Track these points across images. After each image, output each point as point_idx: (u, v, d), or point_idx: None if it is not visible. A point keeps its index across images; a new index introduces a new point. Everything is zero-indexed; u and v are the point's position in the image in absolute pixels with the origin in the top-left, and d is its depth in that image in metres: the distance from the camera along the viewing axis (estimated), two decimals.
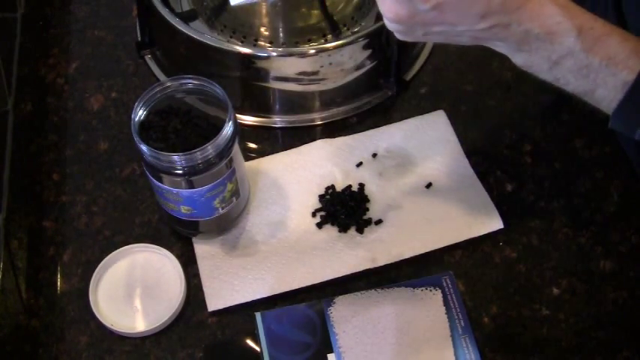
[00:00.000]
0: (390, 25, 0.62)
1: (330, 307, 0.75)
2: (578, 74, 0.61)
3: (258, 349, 0.73)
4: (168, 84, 0.74)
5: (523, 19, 0.58)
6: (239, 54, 0.84)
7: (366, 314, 0.75)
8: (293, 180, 0.84)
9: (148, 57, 0.94)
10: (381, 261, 0.78)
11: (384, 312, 0.75)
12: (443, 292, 0.76)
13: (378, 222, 0.80)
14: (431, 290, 0.76)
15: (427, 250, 0.79)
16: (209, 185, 0.72)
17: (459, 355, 0.73)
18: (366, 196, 0.82)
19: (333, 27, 0.91)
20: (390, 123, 0.88)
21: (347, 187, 0.83)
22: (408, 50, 0.92)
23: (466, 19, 0.59)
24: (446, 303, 0.75)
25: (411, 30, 0.62)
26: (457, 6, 0.58)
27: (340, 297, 0.76)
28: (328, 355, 0.73)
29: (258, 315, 0.75)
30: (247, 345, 0.75)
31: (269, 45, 0.90)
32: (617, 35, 0.60)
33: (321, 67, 0.85)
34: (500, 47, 0.62)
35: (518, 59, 0.62)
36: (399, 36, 0.63)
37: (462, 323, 0.74)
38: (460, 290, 0.77)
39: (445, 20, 0.59)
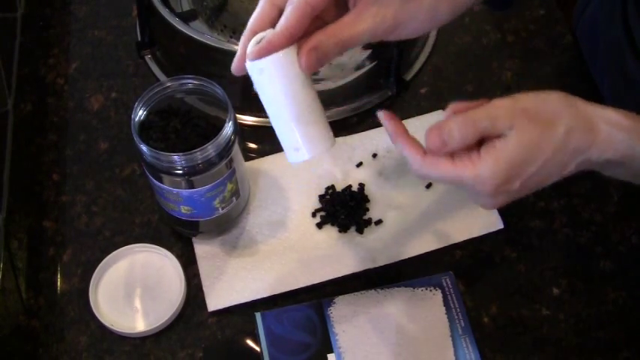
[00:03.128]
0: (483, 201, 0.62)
1: (330, 307, 0.75)
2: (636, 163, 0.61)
3: (258, 349, 0.74)
4: (168, 84, 0.74)
5: (598, 153, 0.59)
6: None
7: (366, 314, 0.75)
8: (293, 180, 0.84)
9: (148, 57, 0.94)
10: (381, 261, 0.78)
11: (384, 312, 0.75)
12: (443, 292, 0.76)
13: (378, 222, 0.80)
14: (431, 290, 0.76)
15: (427, 250, 0.79)
16: (209, 185, 0.72)
17: (459, 355, 0.73)
18: (366, 196, 0.82)
19: None
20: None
21: (347, 187, 0.83)
22: (408, 50, 0.92)
23: (552, 176, 0.60)
24: (446, 303, 0.75)
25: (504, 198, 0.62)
26: (540, 172, 0.59)
27: (340, 297, 0.76)
28: (328, 355, 0.73)
29: (258, 315, 0.75)
30: (247, 345, 0.75)
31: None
32: None
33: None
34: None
35: (607, 173, 0.63)
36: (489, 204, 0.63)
37: (462, 323, 0.74)
38: (460, 290, 0.77)
39: (532, 186, 0.60)
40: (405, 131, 0.61)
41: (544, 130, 0.58)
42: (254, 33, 0.59)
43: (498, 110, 0.58)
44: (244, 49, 0.59)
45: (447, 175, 0.59)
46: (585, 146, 0.58)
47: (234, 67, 0.61)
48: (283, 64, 0.57)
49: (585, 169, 0.61)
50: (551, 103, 0.59)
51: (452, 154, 0.58)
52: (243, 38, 0.60)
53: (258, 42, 0.57)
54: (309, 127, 0.59)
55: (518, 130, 0.57)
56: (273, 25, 0.59)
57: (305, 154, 0.59)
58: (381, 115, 0.61)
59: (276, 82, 0.57)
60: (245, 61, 0.59)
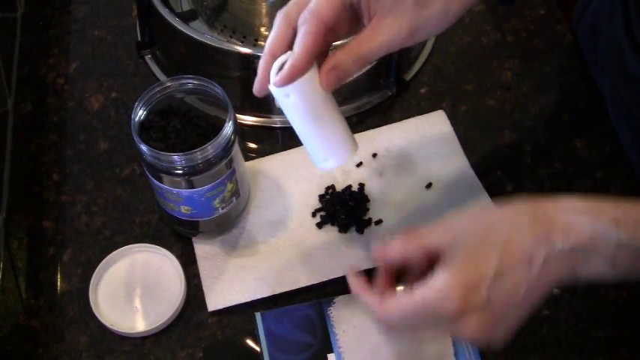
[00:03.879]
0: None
1: (330, 307, 0.75)
2: (635, 261, 0.58)
3: (258, 349, 0.73)
4: (168, 84, 0.74)
5: (562, 238, 0.57)
6: (239, 54, 0.84)
7: (366, 314, 0.74)
8: (293, 180, 0.84)
9: (148, 57, 0.94)
10: None
11: None
12: None
13: (378, 222, 0.80)
14: None
15: None
16: (209, 185, 0.72)
17: (459, 355, 0.72)
18: (366, 196, 0.82)
19: None
20: (390, 123, 0.88)
21: (347, 187, 0.83)
22: (408, 50, 0.92)
23: (521, 281, 0.57)
24: None
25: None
26: (503, 273, 0.57)
27: (340, 297, 0.76)
28: (328, 355, 0.73)
29: (258, 315, 0.75)
30: (247, 345, 0.75)
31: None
32: None
33: None
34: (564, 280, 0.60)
35: (581, 277, 0.59)
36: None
37: None
38: None
39: (505, 295, 0.58)
40: (365, 286, 0.62)
41: (489, 230, 0.58)
42: (274, 56, 0.61)
43: (437, 227, 0.60)
44: (265, 72, 0.61)
45: (411, 306, 0.58)
46: (544, 232, 0.57)
47: (257, 90, 0.62)
48: (307, 87, 0.60)
49: (567, 277, 0.58)
50: (494, 211, 0.60)
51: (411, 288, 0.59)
52: (262, 62, 0.61)
53: (280, 66, 0.60)
54: (334, 138, 0.63)
55: (465, 236, 0.58)
56: (290, 45, 0.61)
57: (333, 163, 0.64)
58: (347, 272, 0.64)
59: (301, 103, 0.61)
60: (267, 84, 0.61)
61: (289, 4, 0.62)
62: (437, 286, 0.57)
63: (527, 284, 0.57)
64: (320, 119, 0.62)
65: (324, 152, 0.64)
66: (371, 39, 0.60)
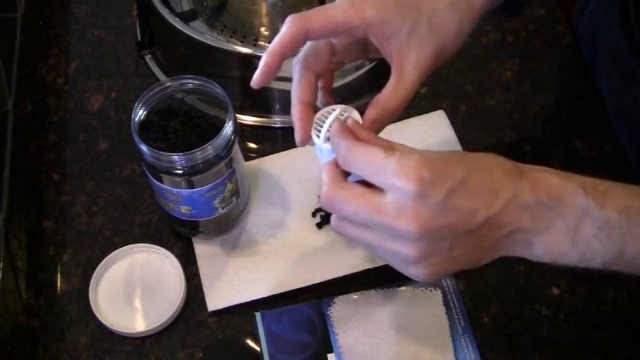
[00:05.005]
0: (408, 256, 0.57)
1: (330, 307, 0.75)
2: (601, 236, 0.56)
3: (258, 349, 0.74)
4: (168, 84, 0.74)
5: (528, 187, 0.56)
6: (239, 54, 0.84)
7: (366, 314, 0.75)
8: (293, 180, 0.84)
9: (148, 57, 0.94)
10: (381, 261, 0.78)
11: (384, 312, 0.75)
12: (443, 292, 0.76)
13: None
14: (431, 290, 0.76)
15: None
16: (209, 185, 0.72)
17: (459, 355, 0.73)
18: None
19: None
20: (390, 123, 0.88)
21: None
22: None
23: (480, 201, 0.55)
24: (446, 303, 0.75)
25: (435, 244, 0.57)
26: (466, 182, 0.55)
27: (340, 297, 0.76)
28: (328, 355, 0.73)
29: (258, 315, 0.75)
30: (247, 345, 0.75)
31: (269, 45, 0.89)
32: (620, 186, 0.57)
33: None
34: (522, 244, 0.58)
35: (539, 247, 0.57)
36: (422, 274, 0.58)
37: (462, 323, 0.74)
38: (460, 290, 0.77)
39: (462, 208, 0.55)
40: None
41: (461, 155, 0.58)
42: (307, 104, 0.62)
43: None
44: (304, 123, 0.61)
45: (370, 164, 0.56)
46: (514, 175, 0.56)
47: (300, 142, 0.62)
48: None
49: (525, 245, 0.57)
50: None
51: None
52: (298, 112, 0.62)
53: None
54: None
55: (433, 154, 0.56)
56: (316, 90, 0.63)
57: None
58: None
59: None
60: (309, 136, 0.61)
61: (304, 51, 0.62)
62: (402, 161, 0.55)
63: (486, 216, 0.55)
64: None
65: None
66: (401, 83, 0.61)
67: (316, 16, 0.59)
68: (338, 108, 0.62)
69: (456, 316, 0.75)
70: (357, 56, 0.66)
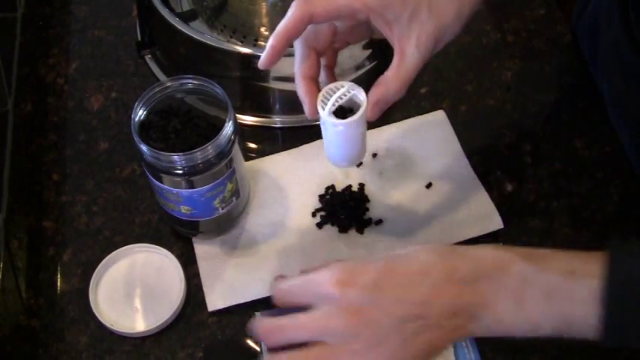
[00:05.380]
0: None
1: None
2: (545, 302, 0.55)
3: (258, 349, 0.73)
4: (168, 84, 0.74)
5: (465, 262, 0.56)
6: (239, 54, 0.84)
7: None
8: (293, 180, 0.84)
9: (148, 57, 0.94)
10: None
11: None
12: None
13: (378, 222, 0.80)
14: None
15: None
16: (209, 185, 0.72)
17: (459, 355, 0.72)
18: (366, 196, 0.82)
19: None
20: (390, 123, 0.88)
21: (347, 187, 0.83)
22: None
23: (412, 284, 0.56)
24: None
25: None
26: (395, 277, 0.56)
27: None
28: None
29: (258, 315, 0.75)
30: (247, 345, 0.74)
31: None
32: (560, 252, 0.57)
33: None
34: (470, 321, 0.56)
35: (488, 319, 0.56)
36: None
37: None
38: None
39: (394, 295, 0.56)
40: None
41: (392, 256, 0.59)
42: (310, 79, 0.65)
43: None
44: (310, 97, 0.65)
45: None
46: (447, 253, 0.57)
47: (310, 114, 0.65)
48: (356, 123, 0.65)
49: (475, 324, 0.56)
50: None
51: None
52: (303, 87, 0.65)
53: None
54: (354, 152, 0.69)
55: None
56: (318, 66, 0.66)
57: (347, 165, 0.71)
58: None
59: (346, 133, 0.66)
60: (317, 110, 0.65)
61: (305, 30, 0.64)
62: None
63: (420, 296, 0.55)
64: (352, 141, 0.67)
65: (341, 158, 0.69)
66: (403, 66, 0.63)
67: (320, 1, 0.62)
68: (346, 85, 0.65)
69: None
70: (361, 37, 0.69)
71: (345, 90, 0.65)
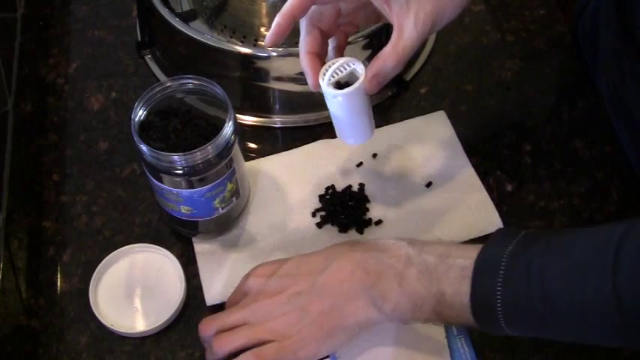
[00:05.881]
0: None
1: None
2: (422, 280, 0.63)
3: None
4: (169, 84, 0.74)
5: (361, 246, 0.69)
6: (239, 54, 0.84)
7: None
8: (293, 180, 0.84)
9: (148, 57, 0.94)
10: None
11: None
12: None
13: (378, 222, 0.80)
14: None
15: None
16: (209, 185, 0.72)
17: (455, 356, 0.72)
18: (366, 196, 0.82)
19: None
20: (390, 123, 0.88)
21: (347, 187, 0.83)
22: None
23: (311, 266, 0.70)
24: None
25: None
26: (299, 263, 0.72)
27: None
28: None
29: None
30: None
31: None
32: (445, 243, 0.66)
33: None
34: (363, 299, 0.67)
35: (377, 298, 0.65)
36: None
37: None
38: None
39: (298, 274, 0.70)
40: None
41: None
42: (313, 54, 0.68)
43: None
44: (312, 71, 0.68)
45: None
46: (352, 242, 0.72)
47: (313, 86, 0.69)
48: (355, 94, 0.67)
49: (372, 298, 0.65)
50: None
51: None
52: (306, 61, 0.68)
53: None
54: (361, 126, 0.72)
55: None
56: (322, 44, 0.69)
57: (354, 142, 0.74)
58: None
59: (346, 103, 0.68)
60: (319, 82, 0.68)
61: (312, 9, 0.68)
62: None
63: (320, 278, 0.67)
64: (355, 114, 0.70)
65: (350, 135, 0.73)
66: (400, 42, 0.65)
67: None
68: (346, 58, 0.68)
69: None
70: (369, 20, 0.72)
71: (344, 62, 0.68)
